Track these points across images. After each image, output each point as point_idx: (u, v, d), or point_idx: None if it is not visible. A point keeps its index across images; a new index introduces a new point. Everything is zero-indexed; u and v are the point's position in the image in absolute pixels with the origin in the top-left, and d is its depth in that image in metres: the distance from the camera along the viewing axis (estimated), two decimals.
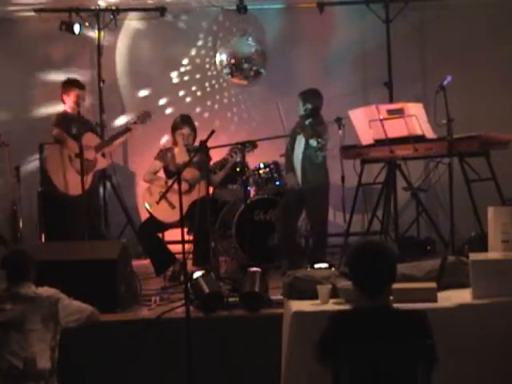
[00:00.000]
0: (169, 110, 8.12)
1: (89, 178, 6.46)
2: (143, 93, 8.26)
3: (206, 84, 8.36)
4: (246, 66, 7.88)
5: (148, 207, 6.32)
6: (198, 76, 8.36)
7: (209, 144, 5.51)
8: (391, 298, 3.44)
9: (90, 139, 6.50)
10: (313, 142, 6.11)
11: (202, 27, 8.33)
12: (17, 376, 3.89)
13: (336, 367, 2.95)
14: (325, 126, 6.24)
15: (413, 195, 6.23)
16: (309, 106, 6.31)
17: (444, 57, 7.78)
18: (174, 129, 6.47)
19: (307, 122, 6.19)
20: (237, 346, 4.70)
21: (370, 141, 6.13)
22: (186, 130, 6.41)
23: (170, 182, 6.14)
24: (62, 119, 6.56)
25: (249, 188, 6.86)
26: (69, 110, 6.61)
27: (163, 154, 6.50)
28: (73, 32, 7.57)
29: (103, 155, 6.65)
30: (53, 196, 6.57)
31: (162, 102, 8.26)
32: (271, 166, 6.99)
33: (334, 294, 3.86)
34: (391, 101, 7.62)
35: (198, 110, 8.22)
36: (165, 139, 7.61)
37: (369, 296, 2.96)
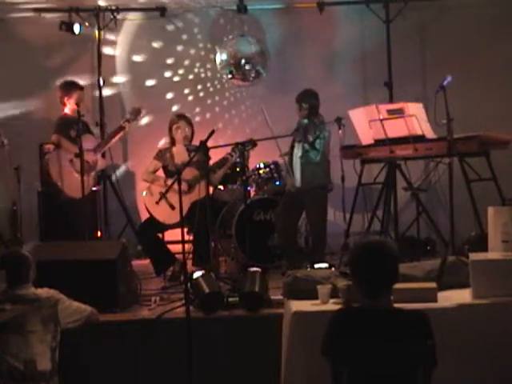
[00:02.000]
0: (169, 110, 8.10)
1: (90, 180, 6.47)
2: (143, 93, 8.26)
3: (206, 84, 8.37)
4: (246, 66, 7.87)
5: (144, 194, 6.32)
6: (198, 76, 8.36)
7: (209, 144, 5.51)
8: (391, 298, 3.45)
9: (89, 141, 6.50)
10: (306, 147, 6.19)
11: (202, 27, 8.33)
12: (17, 378, 3.88)
13: (336, 367, 2.95)
14: (322, 126, 6.22)
15: (413, 195, 6.24)
16: (304, 105, 6.31)
17: (444, 57, 7.77)
18: (171, 126, 6.49)
19: (303, 124, 6.22)
20: (237, 346, 4.70)
21: (370, 141, 6.14)
22: (181, 124, 6.43)
23: (169, 181, 6.14)
24: (62, 124, 6.56)
25: (249, 188, 6.86)
26: (69, 112, 6.60)
27: (162, 154, 6.50)
28: (73, 32, 7.57)
29: (103, 156, 6.68)
30: (53, 196, 6.58)
31: (162, 102, 8.26)
32: (271, 166, 6.99)
33: (334, 293, 3.86)
34: (391, 101, 7.63)
35: (198, 110, 8.24)
36: (162, 142, 7.68)
37: (370, 296, 2.96)
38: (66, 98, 6.62)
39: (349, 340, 2.91)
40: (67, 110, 6.63)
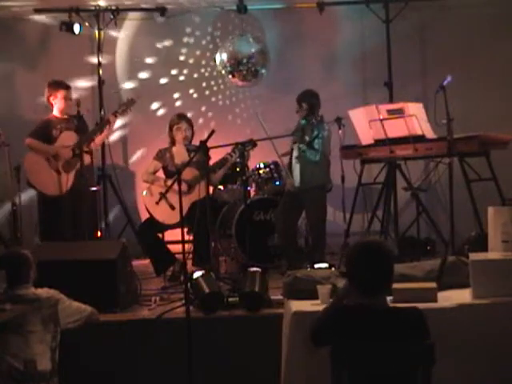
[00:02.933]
0: (169, 110, 8.11)
1: (70, 177, 6.40)
2: (143, 92, 8.24)
3: (206, 84, 8.37)
4: (246, 66, 7.87)
5: (144, 194, 6.32)
6: (198, 76, 8.36)
7: (209, 144, 5.51)
8: (391, 297, 3.46)
9: (68, 138, 6.37)
10: (302, 147, 6.17)
11: (202, 27, 8.34)
12: (17, 378, 3.88)
13: (336, 367, 2.95)
14: (321, 126, 6.21)
15: (413, 195, 6.24)
16: (304, 105, 6.31)
17: (444, 57, 7.77)
18: (171, 126, 6.48)
19: (302, 124, 6.22)
20: (237, 346, 4.70)
21: (370, 141, 6.14)
22: (182, 125, 6.42)
23: (169, 182, 6.14)
24: (39, 127, 6.52)
25: (249, 188, 6.86)
26: (58, 113, 6.52)
27: (162, 154, 6.50)
28: (73, 32, 7.56)
29: (87, 152, 6.56)
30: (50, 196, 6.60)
31: (162, 101, 8.26)
32: (271, 166, 6.99)
33: (333, 293, 3.86)
34: (391, 101, 7.63)
35: (197, 109, 8.23)
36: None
37: (368, 295, 2.97)
38: (51, 98, 6.57)
39: (346, 338, 2.91)
40: (55, 111, 6.53)
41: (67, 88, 6.57)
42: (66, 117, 6.44)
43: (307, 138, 6.16)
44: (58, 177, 6.40)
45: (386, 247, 3.06)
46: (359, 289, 2.99)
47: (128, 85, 8.30)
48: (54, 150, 6.41)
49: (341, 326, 2.95)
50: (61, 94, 6.52)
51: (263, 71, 7.94)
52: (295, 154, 6.31)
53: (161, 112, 8.23)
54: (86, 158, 6.44)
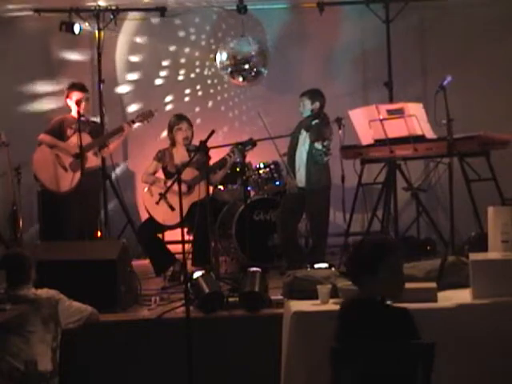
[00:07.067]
0: (169, 110, 8.11)
1: (76, 176, 6.40)
2: (143, 93, 8.26)
3: (206, 84, 8.37)
4: (246, 66, 7.87)
5: (146, 190, 6.32)
6: (198, 76, 8.36)
7: (209, 144, 5.51)
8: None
9: (81, 139, 6.33)
10: (318, 145, 6.07)
11: (202, 27, 8.34)
12: (18, 378, 3.88)
13: (337, 367, 2.94)
14: (330, 127, 6.21)
15: (413, 195, 6.24)
16: (317, 104, 6.29)
17: (444, 57, 7.77)
18: (171, 127, 6.47)
19: (314, 123, 6.15)
20: (237, 346, 4.70)
21: (370, 141, 6.14)
22: (183, 125, 6.42)
23: (169, 182, 6.14)
24: (55, 126, 6.57)
25: (249, 188, 6.86)
26: (75, 113, 6.52)
27: (161, 155, 6.49)
28: (73, 32, 7.56)
29: (95, 155, 6.59)
30: (51, 195, 6.60)
31: (162, 102, 8.26)
32: (271, 166, 6.97)
33: (334, 294, 3.86)
34: (391, 101, 7.62)
35: (197, 110, 8.23)
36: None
37: (356, 285, 3.01)
38: (67, 99, 6.61)
39: (351, 336, 2.91)
40: (73, 112, 6.57)
41: (81, 90, 6.60)
42: (82, 118, 6.38)
43: (327, 141, 6.07)
44: (65, 174, 6.42)
45: (373, 239, 3.09)
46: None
47: (128, 85, 8.29)
48: (65, 146, 6.42)
49: (347, 326, 2.95)
50: (75, 95, 6.54)
51: (263, 71, 7.93)
52: (304, 152, 6.24)
53: (161, 112, 8.21)
54: (93, 161, 6.49)
